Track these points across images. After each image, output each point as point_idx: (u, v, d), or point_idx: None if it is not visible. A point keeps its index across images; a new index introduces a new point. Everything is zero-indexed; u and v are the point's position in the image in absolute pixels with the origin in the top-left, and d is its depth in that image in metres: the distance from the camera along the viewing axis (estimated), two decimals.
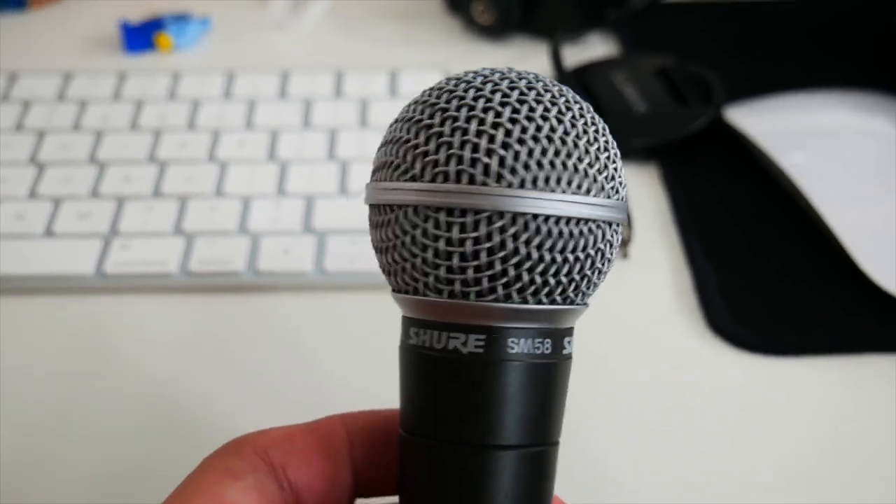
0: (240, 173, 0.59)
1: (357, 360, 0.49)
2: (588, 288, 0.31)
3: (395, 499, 0.34)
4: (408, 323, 0.31)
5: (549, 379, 0.31)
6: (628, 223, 0.55)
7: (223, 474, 0.31)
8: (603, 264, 0.31)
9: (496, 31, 0.72)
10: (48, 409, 0.48)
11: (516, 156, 0.28)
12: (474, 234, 0.28)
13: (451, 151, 0.29)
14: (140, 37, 0.72)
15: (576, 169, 0.29)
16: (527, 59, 0.71)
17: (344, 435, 0.33)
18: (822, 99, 0.64)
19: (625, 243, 0.55)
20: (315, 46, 0.74)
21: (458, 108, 0.29)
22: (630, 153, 0.61)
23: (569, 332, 0.32)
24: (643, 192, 0.59)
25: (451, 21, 0.75)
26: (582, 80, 0.65)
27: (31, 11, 0.78)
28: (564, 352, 0.31)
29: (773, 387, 0.48)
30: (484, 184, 0.28)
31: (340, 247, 0.54)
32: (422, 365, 0.31)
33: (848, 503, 0.44)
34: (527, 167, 0.28)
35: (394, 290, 0.32)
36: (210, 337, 0.51)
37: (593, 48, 0.72)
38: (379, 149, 0.31)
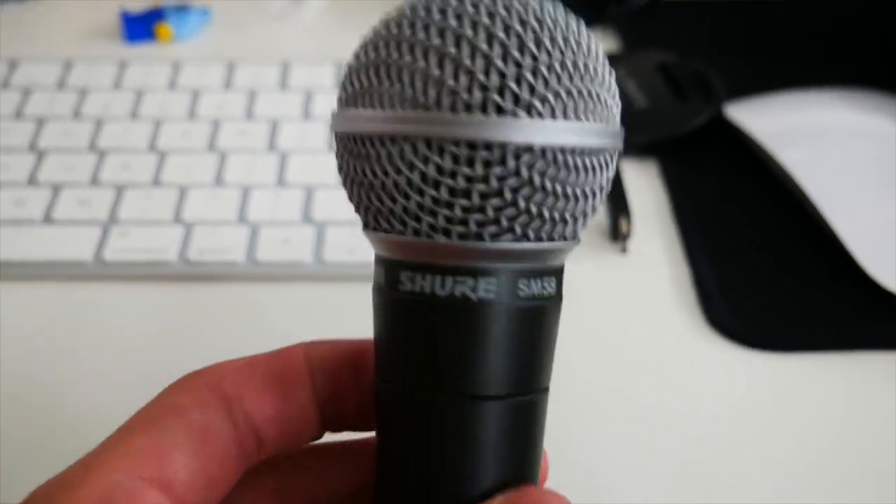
0: (239, 163, 0.59)
1: None
2: (578, 223, 0.28)
3: (362, 435, 0.33)
4: (382, 264, 0.29)
5: (538, 322, 0.29)
6: (627, 216, 0.55)
7: (167, 411, 0.29)
8: (597, 196, 0.28)
9: None
10: (46, 395, 0.48)
11: (503, 80, 0.26)
12: (458, 168, 0.26)
13: (441, 75, 0.26)
14: (140, 27, 0.72)
15: (569, 94, 0.26)
16: None
17: (304, 364, 0.31)
18: (822, 97, 0.64)
19: (624, 238, 0.55)
20: (315, 38, 0.74)
21: (432, 34, 0.26)
22: (630, 149, 0.61)
23: (559, 271, 0.29)
24: (643, 187, 0.59)
25: None
26: None
27: (32, 0, 0.78)
28: (554, 292, 0.29)
29: (772, 383, 0.48)
30: (454, 111, 0.26)
31: (339, 237, 0.54)
32: (399, 310, 0.29)
33: (847, 500, 0.44)
34: (521, 94, 0.26)
35: (365, 227, 0.29)
36: (208, 326, 0.51)
37: None
38: (351, 72, 0.29)
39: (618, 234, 0.54)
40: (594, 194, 0.28)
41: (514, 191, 0.26)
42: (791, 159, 0.58)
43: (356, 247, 0.53)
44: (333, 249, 0.53)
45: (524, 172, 0.26)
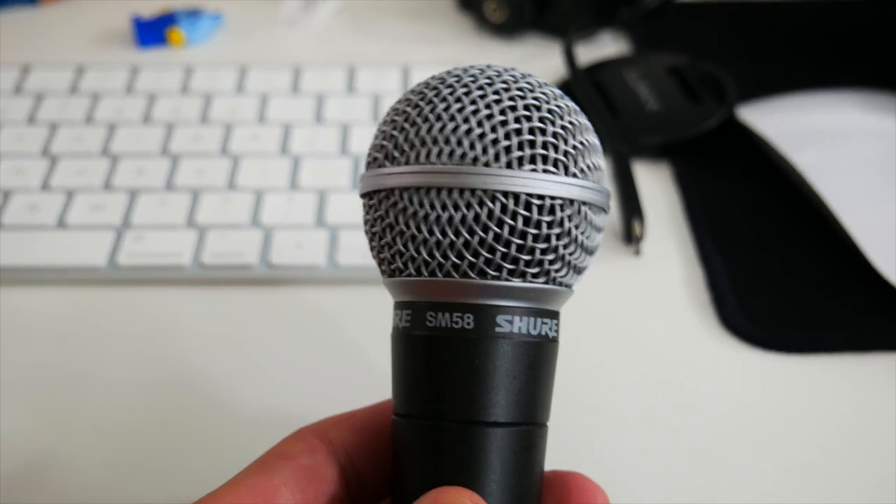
0: (252, 167, 0.59)
1: (368, 354, 0.49)
2: (573, 271, 0.32)
3: None
4: (399, 307, 0.32)
5: (536, 359, 0.32)
6: (640, 218, 0.55)
7: (278, 457, 0.33)
8: (586, 247, 0.32)
9: (508, 29, 0.72)
10: (60, 399, 0.48)
11: (507, 136, 0.30)
12: (465, 213, 0.30)
13: (444, 137, 0.30)
14: (152, 32, 0.72)
15: (564, 153, 0.31)
16: (539, 57, 0.71)
17: None
18: (834, 98, 0.64)
19: (637, 241, 0.55)
20: (327, 42, 0.74)
21: (448, 100, 0.31)
22: (642, 151, 0.61)
23: (555, 315, 0.33)
24: (655, 189, 0.59)
25: (463, 19, 0.75)
26: (595, 78, 0.65)
27: (44, 6, 0.78)
28: (551, 334, 0.32)
29: (785, 384, 0.48)
30: (486, 164, 0.30)
31: (352, 241, 0.54)
32: (413, 346, 0.32)
33: (859, 500, 0.44)
34: (520, 148, 0.30)
35: (385, 277, 0.33)
36: (222, 329, 0.51)
37: (606, 47, 0.72)
38: (373, 145, 0.33)
39: (631, 236, 0.54)
40: (594, 250, 0.33)
41: (555, 238, 0.31)
42: (803, 161, 0.58)
43: (369, 250, 0.53)
44: (347, 253, 0.53)
45: (565, 223, 0.31)
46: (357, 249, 0.53)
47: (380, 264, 0.33)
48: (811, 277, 0.54)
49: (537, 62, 0.70)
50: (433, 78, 0.32)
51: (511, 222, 0.30)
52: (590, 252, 0.33)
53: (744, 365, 0.49)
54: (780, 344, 0.50)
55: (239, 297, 0.53)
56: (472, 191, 0.30)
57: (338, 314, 0.52)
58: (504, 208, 0.30)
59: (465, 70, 0.32)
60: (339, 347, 0.50)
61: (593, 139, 0.33)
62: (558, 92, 0.32)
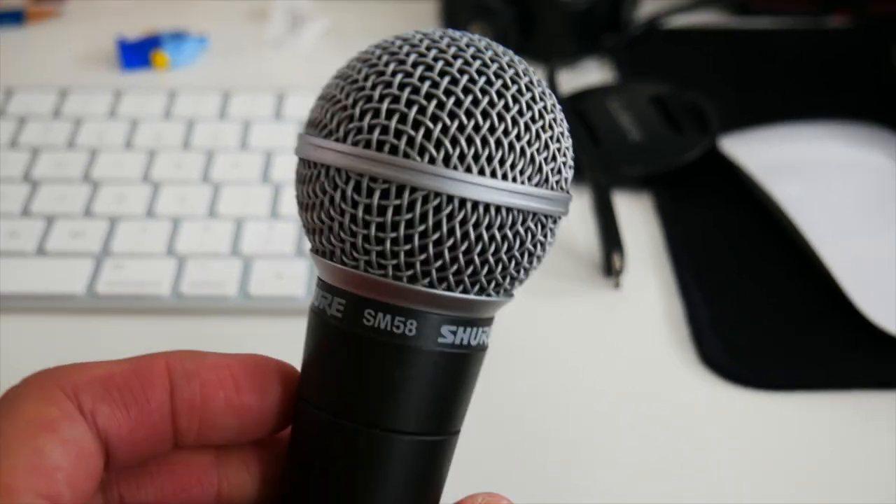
0: (233, 195, 0.59)
1: None
2: (511, 282, 0.29)
3: None
4: (322, 287, 0.30)
5: (460, 369, 0.30)
6: (621, 251, 0.55)
7: (38, 427, 0.28)
8: (532, 259, 0.29)
9: None
10: None
11: (444, 130, 0.27)
12: (392, 205, 0.27)
13: (377, 119, 0.27)
14: (137, 54, 0.72)
15: (511, 151, 0.28)
16: None
17: (166, 379, 0.30)
18: (817, 130, 0.64)
19: (617, 273, 0.54)
20: (312, 66, 0.74)
21: (394, 74, 0.28)
22: (624, 181, 0.61)
23: (488, 321, 0.30)
24: (637, 220, 0.59)
25: None
26: (578, 106, 0.65)
27: (28, 26, 0.78)
28: (480, 342, 0.30)
29: (764, 421, 0.48)
30: (406, 156, 0.27)
31: None
32: (329, 335, 0.30)
33: None
34: (454, 144, 0.27)
35: (312, 250, 0.30)
36: None
37: (589, 74, 0.72)
38: (316, 101, 0.30)
39: (611, 269, 0.54)
40: (529, 256, 0.29)
41: (460, 244, 0.27)
42: (785, 194, 0.58)
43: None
44: None
45: (472, 228, 0.27)
46: None
47: (309, 233, 0.30)
48: (791, 312, 0.54)
49: None
50: (383, 47, 0.30)
51: (431, 224, 0.27)
52: (540, 260, 0.30)
53: (722, 401, 0.49)
54: (758, 381, 0.50)
55: (217, 328, 0.52)
56: (395, 184, 0.27)
57: None
58: (478, 221, 0.27)
59: (422, 38, 0.29)
60: None
61: (564, 124, 0.30)
62: (531, 73, 0.30)
